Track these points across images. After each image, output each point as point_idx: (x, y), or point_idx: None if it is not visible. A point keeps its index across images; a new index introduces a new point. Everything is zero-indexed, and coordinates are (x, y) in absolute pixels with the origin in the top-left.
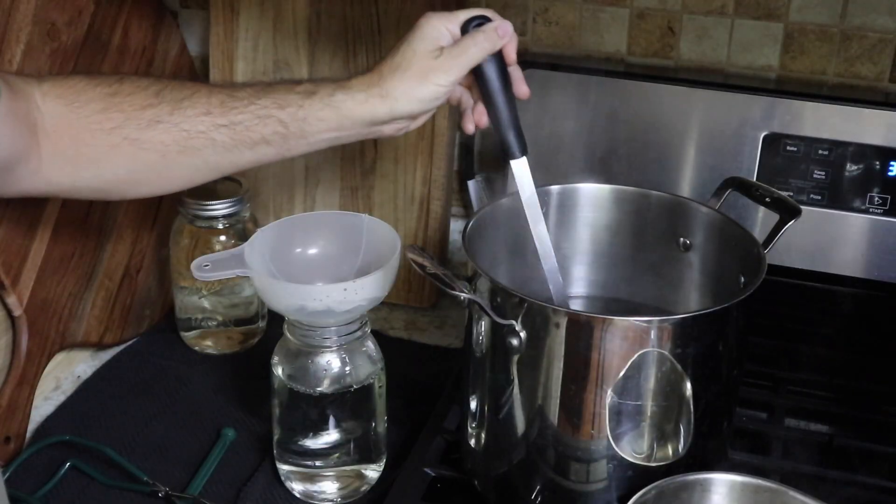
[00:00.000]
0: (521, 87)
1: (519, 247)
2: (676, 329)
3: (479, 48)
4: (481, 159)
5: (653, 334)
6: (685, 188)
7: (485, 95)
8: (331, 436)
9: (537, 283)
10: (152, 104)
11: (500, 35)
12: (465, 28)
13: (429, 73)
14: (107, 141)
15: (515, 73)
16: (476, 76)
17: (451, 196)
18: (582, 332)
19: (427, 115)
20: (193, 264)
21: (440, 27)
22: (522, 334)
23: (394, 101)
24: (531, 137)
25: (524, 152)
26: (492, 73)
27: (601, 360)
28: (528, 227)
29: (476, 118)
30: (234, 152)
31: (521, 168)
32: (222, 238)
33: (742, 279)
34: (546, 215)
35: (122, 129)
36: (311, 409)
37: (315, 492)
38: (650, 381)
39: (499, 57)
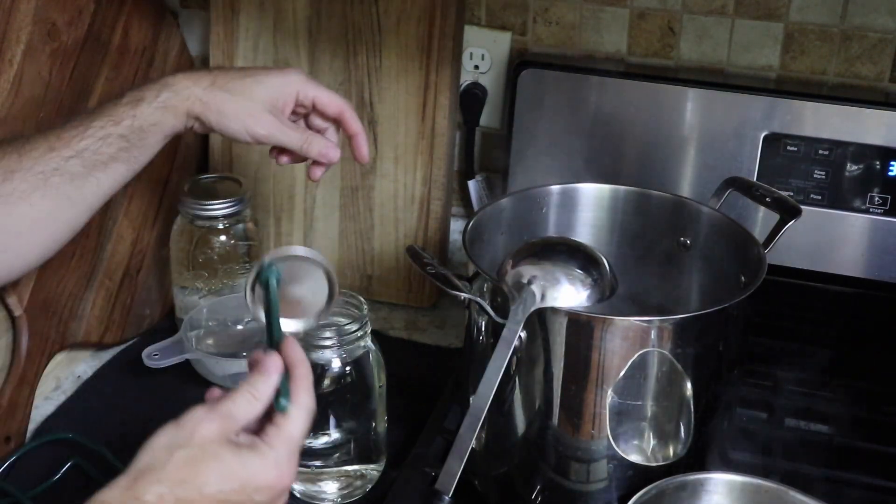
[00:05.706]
0: (361, 151)
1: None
2: (676, 329)
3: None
4: (481, 159)
5: (653, 334)
6: (685, 188)
7: None
8: (331, 436)
9: None
10: None
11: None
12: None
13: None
14: None
15: (358, 139)
16: None
17: (451, 196)
18: (582, 332)
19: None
20: (144, 354)
21: (290, 91)
22: (522, 334)
23: (218, 115)
24: (531, 137)
25: None
26: None
27: (601, 360)
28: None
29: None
30: (91, 180)
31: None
32: (222, 238)
33: (742, 279)
34: (546, 215)
35: None
36: None
37: (315, 492)
38: (650, 381)
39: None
